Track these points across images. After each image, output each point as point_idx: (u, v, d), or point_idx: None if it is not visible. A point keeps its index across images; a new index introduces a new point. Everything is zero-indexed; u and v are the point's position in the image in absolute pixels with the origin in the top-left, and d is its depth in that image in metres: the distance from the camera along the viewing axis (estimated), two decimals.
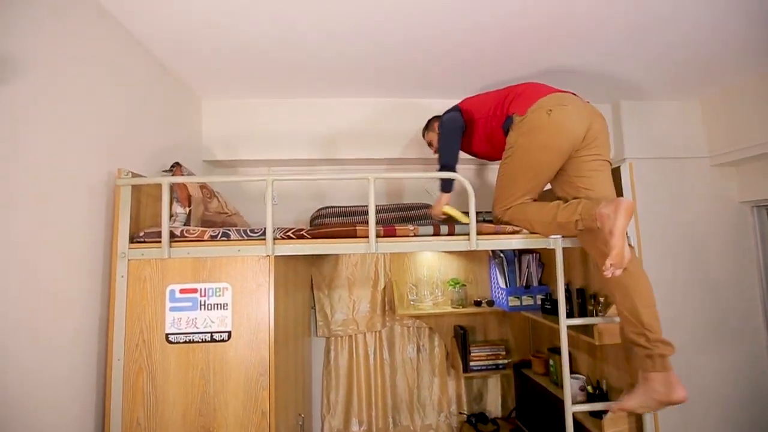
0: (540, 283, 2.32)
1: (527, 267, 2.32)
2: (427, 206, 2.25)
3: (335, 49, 1.82)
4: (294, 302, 1.93)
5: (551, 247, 1.54)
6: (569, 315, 1.62)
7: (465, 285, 2.45)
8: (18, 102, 1.11)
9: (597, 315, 1.69)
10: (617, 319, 1.52)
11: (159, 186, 1.51)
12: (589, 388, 1.74)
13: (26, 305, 1.13)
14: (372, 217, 1.45)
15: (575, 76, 2.17)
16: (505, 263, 2.32)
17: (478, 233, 1.52)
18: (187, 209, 1.75)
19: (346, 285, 2.47)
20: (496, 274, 2.36)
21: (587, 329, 1.69)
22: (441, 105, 2.08)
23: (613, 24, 1.63)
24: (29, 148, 1.14)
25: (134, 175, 1.47)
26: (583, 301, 1.85)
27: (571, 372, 1.63)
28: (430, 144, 2.14)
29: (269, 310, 1.46)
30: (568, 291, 1.81)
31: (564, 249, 1.56)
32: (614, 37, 1.74)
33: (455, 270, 2.52)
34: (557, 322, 1.93)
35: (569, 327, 1.57)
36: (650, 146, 2.52)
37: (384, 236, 1.50)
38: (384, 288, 2.47)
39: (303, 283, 2.26)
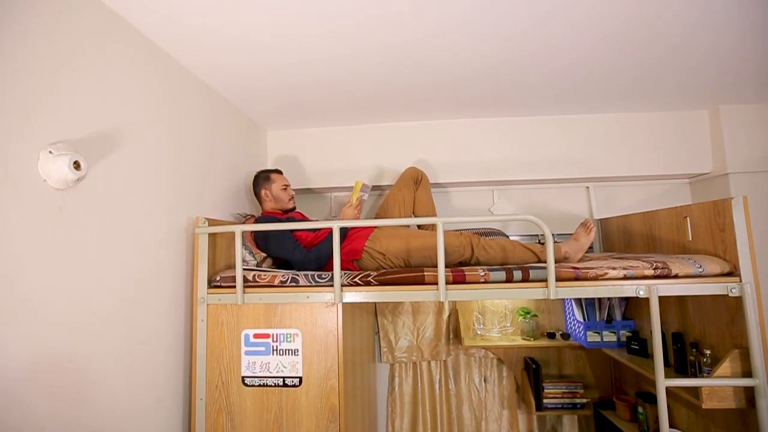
0: (624, 317, 2.10)
1: (608, 299, 2.10)
2: (494, 231, 2.13)
3: (394, 83, 1.81)
4: (360, 331, 1.92)
5: (643, 296, 1.37)
6: (665, 364, 1.41)
7: (536, 315, 2.29)
8: (113, 171, 1.20)
9: (701, 370, 1.48)
10: (732, 381, 1.31)
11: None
12: None
13: (126, 347, 1.22)
14: (441, 263, 1.39)
15: (665, 82, 1.91)
16: None
17: (557, 279, 1.39)
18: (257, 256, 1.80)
19: (410, 312, 2.43)
20: (572, 305, 2.18)
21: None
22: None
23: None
24: (126, 207, 1.24)
25: (211, 223, 1.54)
26: (680, 348, 1.63)
27: (669, 426, 1.43)
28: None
29: (338, 356, 1.45)
30: (662, 336, 1.59)
31: None
32: (710, 31, 1.48)
33: (525, 299, 2.37)
34: (645, 366, 1.74)
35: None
36: (759, 157, 2.16)
37: (453, 282, 1.43)
38: (449, 316, 2.39)
39: (367, 310, 2.25)
